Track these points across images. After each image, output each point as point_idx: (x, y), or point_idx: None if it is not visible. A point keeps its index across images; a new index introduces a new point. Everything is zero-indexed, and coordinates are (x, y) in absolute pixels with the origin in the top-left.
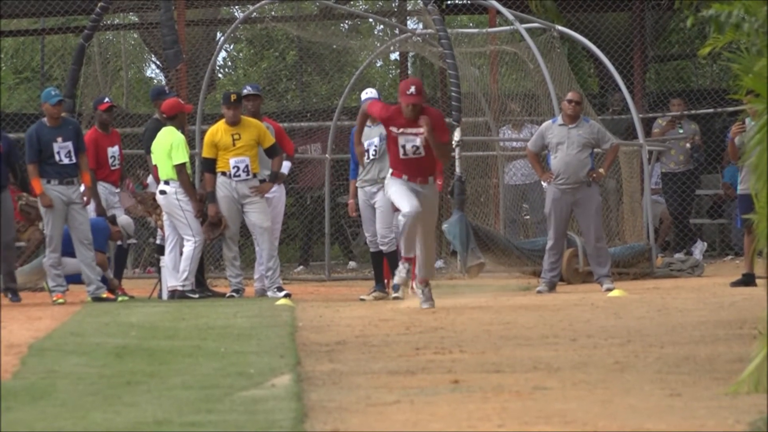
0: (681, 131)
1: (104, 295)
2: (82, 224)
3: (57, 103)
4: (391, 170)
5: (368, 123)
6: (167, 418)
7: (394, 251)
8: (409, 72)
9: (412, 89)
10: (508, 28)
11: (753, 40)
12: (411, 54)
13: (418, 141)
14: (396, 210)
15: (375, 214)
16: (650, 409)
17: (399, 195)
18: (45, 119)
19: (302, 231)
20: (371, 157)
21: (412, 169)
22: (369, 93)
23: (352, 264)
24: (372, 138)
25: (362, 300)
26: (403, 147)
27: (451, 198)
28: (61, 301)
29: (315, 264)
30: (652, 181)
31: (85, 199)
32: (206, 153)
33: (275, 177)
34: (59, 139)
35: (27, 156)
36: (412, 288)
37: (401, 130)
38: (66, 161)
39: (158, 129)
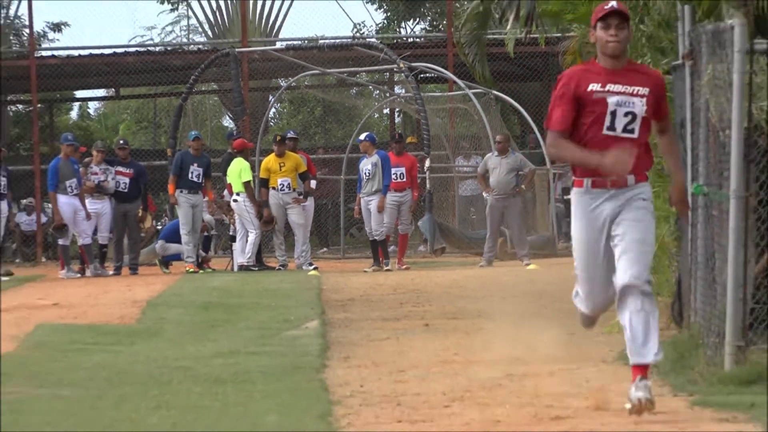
0: None
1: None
2: (196, 222)
3: (194, 139)
4: (573, 180)
5: (365, 155)
6: (237, 349)
7: (384, 240)
8: (396, 121)
9: (613, 2)
10: (461, 92)
11: None
12: (397, 109)
13: (637, 103)
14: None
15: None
16: (553, 342)
17: (581, 270)
18: (190, 149)
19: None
20: (367, 177)
21: None
22: (362, 136)
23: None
24: (367, 166)
25: (365, 272)
26: (613, 114)
27: (424, 204)
28: (191, 270)
29: (334, 248)
30: (555, 192)
31: (208, 209)
32: (262, 174)
33: (307, 195)
34: (195, 165)
35: (171, 170)
36: (398, 263)
37: (607, 86)
38: (195, 180)
39: (231, 159)
